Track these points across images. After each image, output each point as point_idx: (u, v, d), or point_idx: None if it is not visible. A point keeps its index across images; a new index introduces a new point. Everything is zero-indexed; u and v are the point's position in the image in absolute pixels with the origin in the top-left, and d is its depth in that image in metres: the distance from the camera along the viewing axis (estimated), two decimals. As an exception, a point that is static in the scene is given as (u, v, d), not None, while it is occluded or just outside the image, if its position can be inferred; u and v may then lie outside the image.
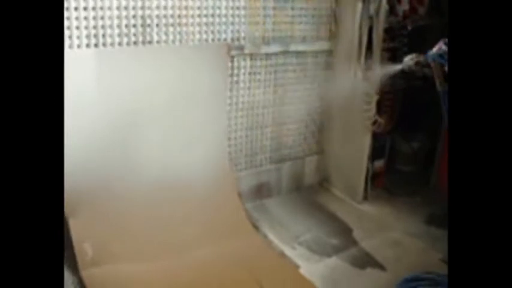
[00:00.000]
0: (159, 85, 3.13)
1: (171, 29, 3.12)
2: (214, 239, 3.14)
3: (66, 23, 2.76)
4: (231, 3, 3.31)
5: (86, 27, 2.83)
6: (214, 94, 3.39)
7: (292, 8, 3.62)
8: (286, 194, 4.03)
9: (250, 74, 3.57)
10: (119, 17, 2.92)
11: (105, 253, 2.86)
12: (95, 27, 2.86)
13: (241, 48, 3.43)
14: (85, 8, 2.80)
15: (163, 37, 3.11)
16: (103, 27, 2.89)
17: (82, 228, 2.88)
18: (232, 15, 3.35)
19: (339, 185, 4.11)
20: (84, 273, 2.73)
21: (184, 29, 3.17)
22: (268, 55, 3.60)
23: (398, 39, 3.68)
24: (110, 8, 2.88)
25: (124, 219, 3.03)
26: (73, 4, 2.75)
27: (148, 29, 3.04)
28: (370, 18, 3.50)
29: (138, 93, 3.06)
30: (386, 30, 3.56)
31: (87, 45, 2.87)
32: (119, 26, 2.94)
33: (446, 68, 2.81)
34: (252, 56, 3.53)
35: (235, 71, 3.49)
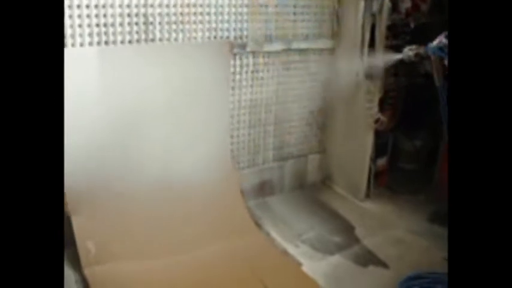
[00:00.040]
0: (161, 83, 3.14)
1: (173, 26, 3.12)
2: (217, 237, 3.15)
3: (69, 21, 2.76)
4: (233, 1, 3.31)
5: (89, 25, 2.84)
6: (216, 92, 3.39)
7: (295, 6, 3.61)
8: (288, 192, 4.03)
9: (252, 72, 3.57)
10: (121, 15, 2.93)
11: (108, 251, 2.86)
12: (97, 25, 2.86)
13: (243, 46, 3.43)
14: (87, 6, 2.80)
15: (166, 35, 3.11)
16: (106, 25, 2.89)
17: (85, 227, 2.89)
18: (235, 13, 3.35)
19: (342, 183, 4.11)
20: (87, 271, 2.74)
21: (186, 26, 3.17)
22: (270, 53, 3.60)
23: (401, 36, 3.67)
24: (112, 6, 2.88)
25: (127, 217, 3.04)
26: (76, 2, 2.75)
27: (151, 27, 3.04)
28: (373, 15, 3.49)
29: (141, 91, 3.07)
30: (389, 28, 3.56)
31: (90, 44, 2.87)
32: (121, 24, 2.94)
33: (446, 62, 2.81)
34: (254, 54, 3.52)
35: (238, 69, 3.49)
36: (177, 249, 2.99)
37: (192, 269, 2.87)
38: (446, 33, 2.82)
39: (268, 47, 3.55)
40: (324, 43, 3.84)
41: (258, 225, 3.43)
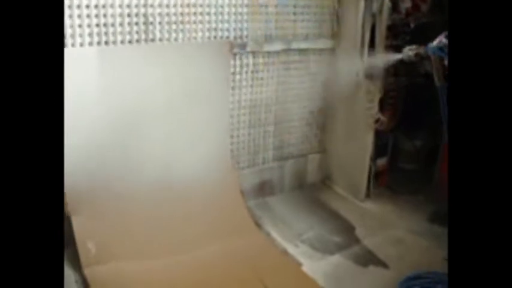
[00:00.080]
0: (161, 83, 3.14)
1: (173, 26, 3.12)
2: (217, 237, 3.15)
3: (69, 21, 2.77)
4: (233, 1, 3.31)
5: (89, 26, 2.84)
6: (216, 92, 3.39)
7: (295, 6, 3.61)
8: (288, 192, 4.03)
9: (252, 72, 3.57)
10: (121, 15, 2.93)
11: (108, 251, 2.86)
12: (97, 25, 2.86)
13: (243, 46, 3.42)
14: (87, 6, 2.80)
15: (166, 35, 3.11)
16: (106, 25, 2.89)
17: (85, 226, 2.89)
18: (235, 13, 3.35)
19: (342, 183, 4.10)
20: (87, 271, 2.74)
21: (187, 26, 3.17)
22: (270, 53, 3.60)
23: (401, 36, 3.67)
24: (112, 6, 2.88)
25: (127, 217, 3.04)
26: (76, 2, 2.75)
27: (151, 27, 3.04)
28: (373, 15, 3.49)
29: (141, 92, 3.07)
30: (389, 28, 3.56)
31: (90, 44, 2.87)
32: (121, 24, 2.94)
33: (446, 62, 2.81)
34: (254, 54, 3.52)
35: (238, 69, 3.49)
36: (177, 249, 2.99)
37: (192, 269, 2.87)
38: (446, 33, 2.82)
39: (268, 47, 3.55)
40: (324, 43, 3.84)
41: (258, 225, 3.43)
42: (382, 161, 3.98)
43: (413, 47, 3.21)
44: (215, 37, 3.31)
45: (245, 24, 3.41)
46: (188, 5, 3.14)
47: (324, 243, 3.28)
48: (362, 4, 3.50)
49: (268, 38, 3.55)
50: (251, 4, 3.39)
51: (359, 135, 3.81)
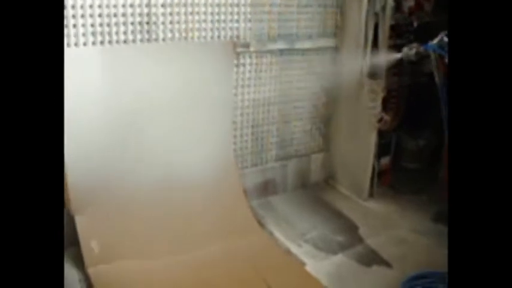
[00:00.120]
0: (164, 83, 3.14)
1: (176, 26, 3.12)
2: (220, 237, 3.15)
3: (71, 20, 2.77)
4: (236, 1, 3.31)
5: (92, 25, 2.84)
6: (219, 91, 3.39)
7: (298, 5, 3.61)
8: (291, 192, 4.03)
9: (255, 71, 3.57)
10: (124, 15, 2.93)
11: (111, 251, 2.86)
12: (101, 24, 2.87)
13: (246, 45, 3.42)
14: (91, 6, 2.80)
15: (169, 34, 3.11)
16: (109, 24, 2.89)
17: (89, 226, 2.89)
18: (238, 13, 3.35)
19: (345, 183, 4.10)
20: (91, 271, 2.74)
21: (189, 26, 3.17)
22: (273, 52, 3.60)
23: (404, 35, 3.66)
24: (115, 6, 2.88)
25: (130, 217, 3.04)
26: (79, 1, 2.76)
27: (153, 27, 3.04)
28: (376, 14, 3.49)
29: (144, 91, 3.07)
30: (393, 27, 3.55)
31: (93, 43, 2.87)
32: (124, 24, 2.94)
33: (446, 60, 2.80)
34: (257, 53, 3.52)
35: (241, 68, 3.49)
36: (180, 249, 3.00)
37: (195, 268, 2.87)
38: (446, 32, 2.82)
39: (271, 46, 3.55)
40: (327, 42, 3.84)
41: (261, 224, 3.43)
42: (385, 161, 3.98)
43: (413, 45, 3.20)
44: (218, 37, 3.31)
45: (248, 24, 3.41)
46: (191, 5, 3.14)
47: (327, 242, 3.28)
48: (365, 3, 3.50)
49: (271, 37, 3.55)
50: (254, 3, 3.39)
51: (362, 135, 3.81)
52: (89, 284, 2.69)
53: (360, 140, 3.84)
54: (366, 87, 3.65)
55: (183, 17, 3.13)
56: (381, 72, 3.56)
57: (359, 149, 3.86)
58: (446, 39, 2.81)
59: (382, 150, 3.87)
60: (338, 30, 3.85)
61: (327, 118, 4.10)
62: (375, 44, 3.54)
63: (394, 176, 4.10)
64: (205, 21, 3.23)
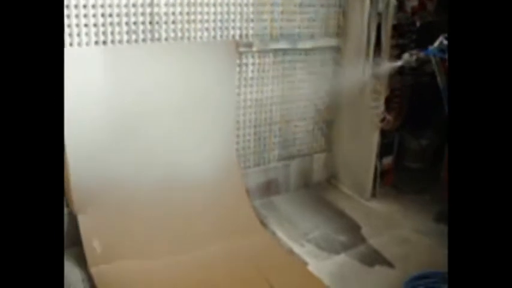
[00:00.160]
0: (167, 82, 3.14)
1: (179, 26, 3.13)
2: (223, 236, 3.15)
3: (74, 20, 2.77)
4: (239, 0, 3.31)
5: (95, 25, 2.84)
6: (222, 91, 3.39)
7: (301, 5, 3.61)
8: (294, 191, 4.03)
9: (258, 71, 3.57)
10: (127, 14, 2.93)
11: (114, 250, 2.87)
12: (103, 24, 2.87)
13: (249, 45, 3.42)
14: (93, 6, 2.81)
15: (172, 34, 3.11)
16: (111, 24, 2.90)
17: (91, 225, 2.90)
18: (241, 12, 3.35)
19: (347, 182, 4.10)
20: (93, 270, 2.74)
21: (192, 26, 3.17)
22: (276, 52, 3.60)
23: (407, 35, 3.66)
24: (118, 5, 2.89)
25: (133, 216, 3.04)
26: (81, 1, 2.76)
27: (156, 26, 3.04)
28: (379, 14, 3.48)
29: (146, 91, 3.07)
30: (395, 27, 3.55)
31: (96, 43, 2.88)
32: (127, 23, 2.95)
33: (447, 63, 2.80)
34: (260, 53, 3.52)
35: (244, 68, 3.49)
36: (182, 249, 3.00)
37: (197, 268, 2.87)
38: (446, 34, 2.82)
39: (274, 46, 3.55)
40: (330, 42, 3.83)
41: (264, 224, 3.43)
42: (387, 160, 3.97)
43: (413, 51, 3.20)
44: (221, 36, 3.31)
45: (251, 24, 3.41)
46: (194, 4, 3.14)
47: (329, 242, 3.28)
48: (368, 3, 3.50)
49: (274, 37, 3.55)
50: (257, 3, 3.39)
51: (365, 134, 3.81)
52: (91, 284, 2.69)
53: (363, 140, 3.84)
54: (369, 87, 3.65)
55: (185, 17, 3.13)
56: (385, 74, 3.55)
57: (361, 148, 3.86)
58: (446, 42, 2.82)
59: (384, 150, 3.87)
60: (340, 30, 3.84)
61: (329, 118, 4.10)
62: (378, 43, 3.53)
63: (396, 176, 4.09)
64: (207, 21, 3.23)
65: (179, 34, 3.14)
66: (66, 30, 2.76)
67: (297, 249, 3.18)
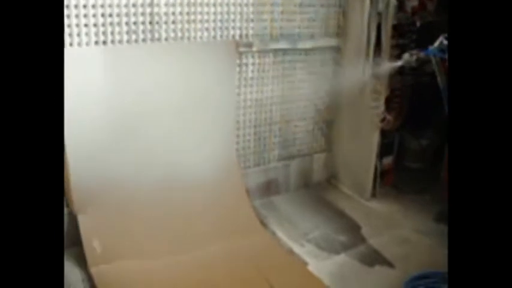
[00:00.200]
0: (166, 82, 3.14)
1: (179, 26, 3.12)
2: (223, 236, 3.15)
3: (74, 20, 2.77)
4: (239, 0, 3.31)
5: (95, 25, 2.84)
6: (222, 91, 3.39)
7: (301, 5, 3.61)
8: (294, 191, 4.03)
9: (258, 71, 3.57)
10: (127, 14, 2.93)
11: (114, 250, 2.87)
12: (103, 24, 2.87)
13: (249, 45, 3.42)
14: (93, 6, 2.81)
15: (172, 34, 3.11)
16: (111, 24, 2.90)
17: (91, 225, 2.90)
18: (241, 12, 3.35)
19: (347, 182, 4.10)
20: (93, 270, 2.74)
21: (192, 26, 3.17)
22: (276, 52, 3.60)
23: (407, 35, 3.66)
24: (118, 5, 2.89)
25: (133, 216, 3.04)
26: (81, 1, 2.76)
27: (156, 26, 3.04)
28: (379, 14, 3.48)
29: (146, 91, 3.07)
30: (395, 27, 3.55)
31: (96, 43, 2.87)
32: (127, 23, 2.95)
33: (447, 64, 2.80)
34: (260, 53, 3.52)
35: (244, 68, 3.49)
36: (182, 249, 3.00)
37: (197, 268, 2.87)
38: (445, 34, 2.82)
39: (274, 46, 3.55)
40: (330, 42, 3.83)
41: (264, 224, 3.43)
42: (388, 160, 3.97)
43: (413, 52, 3.20)
44: (221, 36, 3.31)
45: (251, 23, 3.41)
46: (194, 4, 3.14)
47: (329, 242, 3.28)
48: (368, 3, 3.50)
49: (274, 37, 3.55)
50: (257, 3, 3.39)
51: (365, 134, 3.81)
52: (91, 284, 2.69)
53: (363, 140, 3.84)
54: (369, 86, 3.65)
55: (185, 17, 3.13)
56: (385, 74, 3.55)
57: (362, 148, 3.86)
58: (445, 42, 2.82)
59: (384, 149, 3.87)
60: (340, 30, 3.84)
61: (329, 118, 4.10)
62: (378, 43, 3.53)
63: (396, 176, 4.09)
64: (207, 21, 3.23)
65: (179, 34, 3.14)
66: (66, 30, 2.76)
67: (297, 249, 3.18)
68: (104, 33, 2.88)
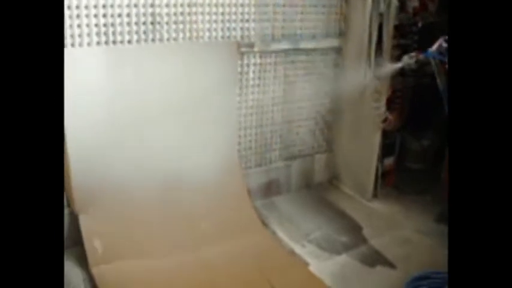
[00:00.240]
0: (168, 82, 3.14)
1: (180, 26, 3.13)
2: (224, 237, 3.15)
3: (76, 20, 2.78)
4: (240, 1, 3.31)
5: (96, 25, 2.85)
6: (224, 91, 3.39)
7: (302, 6, 3.61)
8: (295, 192, 4.03)
9: (260, 71, 3.57)
10: (128, 15, 2.93)
11: (115, 250, 2.87)
12: (105, 24, 2.87)
13: (251, 45, 3.43)
14: (95, 6, 2.81)
15: (173, 34, 3.12)
16: (113, 24, 2.90)
17: (92, 225, 2.90)
18: (242, 13, 3.35)
19: (349, 183, 4.10)
20: (94, 270, 2.75)
21: (194, 26, 3.18)
22: (277, 52, 3.60)
23: (408, 36, 3.67)
24: (119, 6, 2.89)
25: (134, 217, 3.05)
26: (83, 2, 2.76)
27: (158, 27, 3.05)
28: (380, 15, 3.48)
29: (147, 91, 3.07)
30: (397, 27, 3.55)
31: (97, 43, 2.88)
32: (128, 24, 2.95)
33: (447, 66, 2.80)
34: (261, 54, 3.53)
35: (245, 69, 3.49)
36: (184, 249, 3.00)
37: (198, 268, 2.87)
38: (445, 37, 2.82)
39: (275, 47, 3.55)
40: (331, 42, 3.83)
41: (265, 224, 3.43)
42: (389, 161, 3.97)
43: (413, 54, 3.20)
44: (222, 37, 3.31)
45: (252, 24, 3.41)
46: (195, 5, 3.15)
47: (331, 243, 3.28)
48: (369, 3, 3.50)
49: (276, 38, 3.55)
50: (258, 4, 3.39)
51: (366, 135, 3.81)
52: (92, 284, 2.70)
53: (364, 140, 3.84)
54: (370, 87, 3.64)
55: (187, 17, 3.14)
56: (386, 75, 3.55)
57: (363, 149, 3.86)
58: (445, 44, 2.82)
59: (386, 150, 3.87)
60: (342, 31, 3.84)
61: (330, 118, 4.10)
62: (379, 44, 3.53)
63: (398, 177, 4.09)
64: (209, 21, 3.23)
65: (180, 34, 3.14)
66: (68, 31, 2.76)
67: (298, 249, 3.19)
68: (106, 33, 2.89)
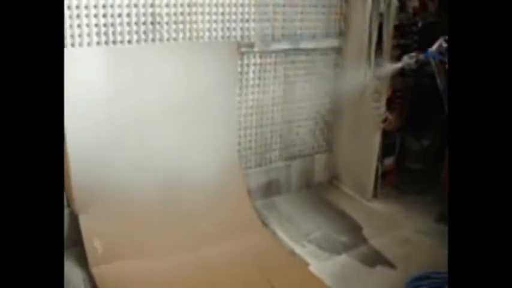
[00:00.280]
0: (168, 82, 3.14)
1: (180, 26, 3.13)
2: (224, 237, 3.15)
3: (76, 20, 2.77)
4: (240, 1, 3.31)
5: (96, 25, 2.85)
6: (224, 91, 3.39)
7: (302, 6, 3.61)
8: (295, 192, 4.03)
9: (260, 71, 3.57)
10: (128, 15, 2.93)
11: (115, 250, 2.87)
12: (105, 24, 2.87)
13: (251, 45, 3.43)
14: (95, 6, 2.81)
15: (173, 34, 3.12)
16: (113, 24, 2.90)
17: (92, 225, 2.90)
18: (242, 13, 3.35)
19: (349, 183, 4.10)
20: (94, 270, 2.75)
21: (194, 26, 3.18)
22: (277, 52, 3.60)
23: (408, 36, 3.67)
24: (119, 6, 2.89)
25: (134, 217, 3.05)
26: (83, 2, 2.76)
27: (158, 27, 3.05)
28: (380, 15, 3.48)
29: (148, 91, 3.07)
30: (397, 27, 3.55)
31: (97, 43, 2.88)
32: (128, 24, 2.95)
33: (447, 66, 2.80)
34: (261, 54, 3.52)
35: (245, 69, 3.49)
36: (184, 249, 3.00)
37: (198, 268, 2.87)
38: (445, 37, 2.82)
39: (275, 47, 3.55)
40: (331, 42, 3.83)
41: (265, 224, 3.43)
42: (389, 161, 3.97)
43: (413, 54, 3.20)
44: (222, 37, 3.31)
45: (252, 24, 3.41)
46: (195, 5, 3.15)
47: (331, 243, 3.28)
48: (369, 3, 3.50)
49: (276, 38, 3.55)
50: (258, 4, 3.39)
51: (366, 135, 3.81)
52: (93, 284, 2.70)
53: (364, 140, 3.84)
54: (370, 87, 3.64)
55: (187, 17, 3.14)
56: (386, 75, 3.55)
57: (363, 149, 3.86)
58: (445, 44, 2.82)
59: (386, 150, 3.87)
60: (342, 31, 3.84)
61: (330, 118, 4.10)
62: (379, 44, 3.53)
63: (398, 177, 4.09)
64: (209, 21, 3.23)
65: (181, 34, 3.14)
66: (68, 31, 2.76)
67: (298, 249, 3.19)
68: (106, 33, 2.89)
